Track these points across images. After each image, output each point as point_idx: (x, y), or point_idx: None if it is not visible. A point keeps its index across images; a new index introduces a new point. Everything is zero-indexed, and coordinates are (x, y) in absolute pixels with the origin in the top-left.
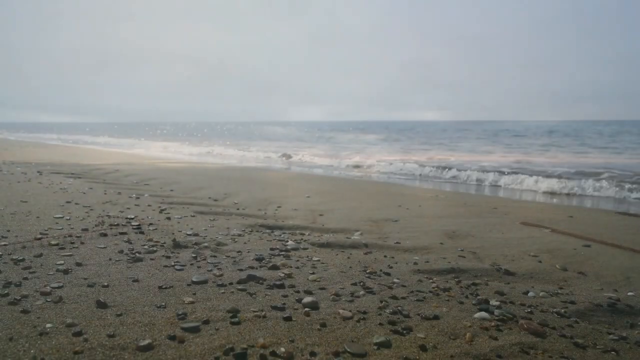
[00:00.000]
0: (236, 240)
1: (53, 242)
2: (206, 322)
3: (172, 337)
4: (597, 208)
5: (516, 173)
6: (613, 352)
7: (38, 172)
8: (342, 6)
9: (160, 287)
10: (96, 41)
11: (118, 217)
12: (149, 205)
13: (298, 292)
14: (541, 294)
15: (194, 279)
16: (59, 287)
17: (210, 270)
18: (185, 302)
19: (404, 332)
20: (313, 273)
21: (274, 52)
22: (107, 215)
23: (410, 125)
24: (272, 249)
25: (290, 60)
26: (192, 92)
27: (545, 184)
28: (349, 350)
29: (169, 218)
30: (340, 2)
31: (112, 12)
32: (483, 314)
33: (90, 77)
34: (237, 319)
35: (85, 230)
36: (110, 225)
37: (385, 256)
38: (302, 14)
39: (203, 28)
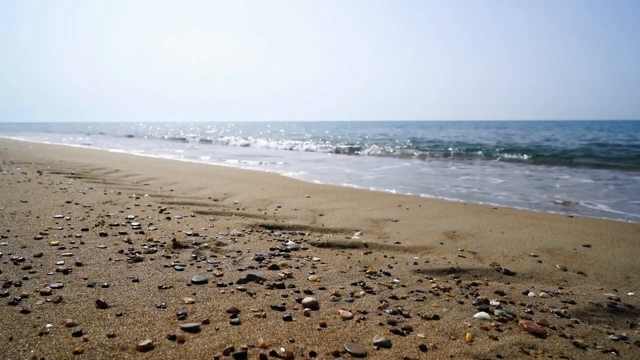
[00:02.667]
0: (236, 240)
1: (53, 242)
2: (206, 322)
3: (172, 337)
4: (597, 209)
5: None
6: (613, 352)
7: (38, 172)
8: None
9: (160, 287)
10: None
11: (118, 217)
12: (149, 205)
13: (298, 292)
14: (541, 294)
15: (194, 279)
16: (59, 287)
17: (210, 270)
18: (185, 302)
19: (404, 332)
20: (313, 273)
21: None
22: (107, 215)
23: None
24: (272, 249)
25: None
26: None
27: None
28: (349, 350)
29: (169, 218)
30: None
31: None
32: (483, 314)
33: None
34: (237, 319)
35: (85, 230)
36: (110, 225)
37: (385, 256)
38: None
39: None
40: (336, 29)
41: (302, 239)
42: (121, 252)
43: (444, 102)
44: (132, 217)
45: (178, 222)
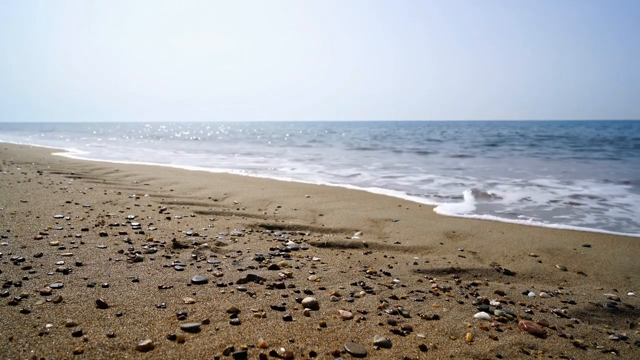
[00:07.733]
0: (236, 240)
1: (53, 242)
2: (206, 322)
3: (172, 337)
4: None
5: None
6: (613, 352)
7: (38, 172)
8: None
9: (160, 287)
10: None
11: (118, 217)
12: (149, 205)
13: (298, 292)
14: (541, 294)
15: (194, 279)
16: (59, 287)
17: (210, 270)
18: (185, 302)
19: (404, 332)
20: (313, 273)
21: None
22: (107, 215)
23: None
24: (272, 249)
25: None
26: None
27: None
28: (349, 350)
29: (169, 218)
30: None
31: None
32: (483, 314)
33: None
34: (237, 319)
35: (85, 230)
36: (110, 225)
37: (385, 256)
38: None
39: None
40: (320, 26)
41: (302, 239)
42: (121, 252)
43: (432, 102)
44: (132, 217)
45: (178, 222)
